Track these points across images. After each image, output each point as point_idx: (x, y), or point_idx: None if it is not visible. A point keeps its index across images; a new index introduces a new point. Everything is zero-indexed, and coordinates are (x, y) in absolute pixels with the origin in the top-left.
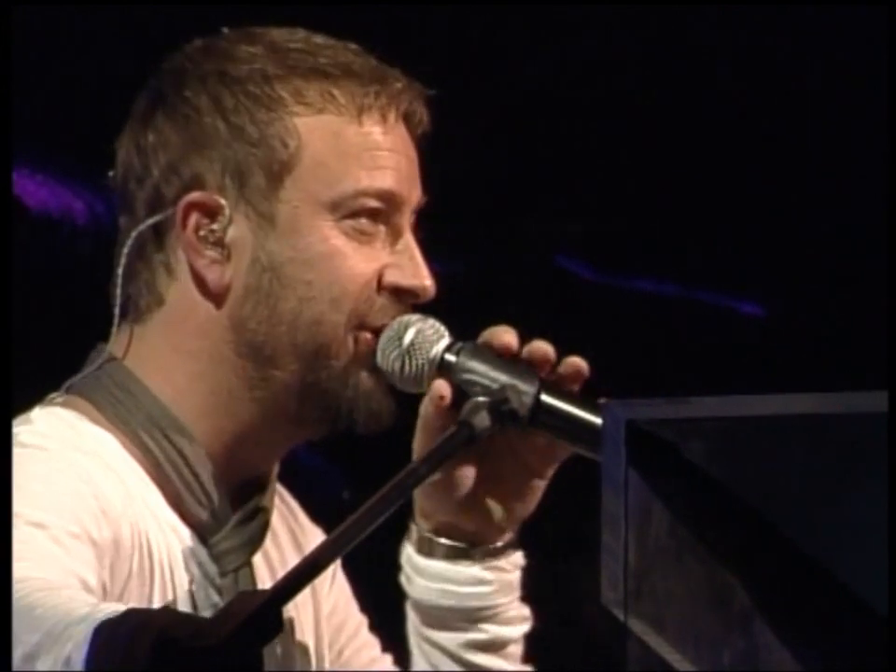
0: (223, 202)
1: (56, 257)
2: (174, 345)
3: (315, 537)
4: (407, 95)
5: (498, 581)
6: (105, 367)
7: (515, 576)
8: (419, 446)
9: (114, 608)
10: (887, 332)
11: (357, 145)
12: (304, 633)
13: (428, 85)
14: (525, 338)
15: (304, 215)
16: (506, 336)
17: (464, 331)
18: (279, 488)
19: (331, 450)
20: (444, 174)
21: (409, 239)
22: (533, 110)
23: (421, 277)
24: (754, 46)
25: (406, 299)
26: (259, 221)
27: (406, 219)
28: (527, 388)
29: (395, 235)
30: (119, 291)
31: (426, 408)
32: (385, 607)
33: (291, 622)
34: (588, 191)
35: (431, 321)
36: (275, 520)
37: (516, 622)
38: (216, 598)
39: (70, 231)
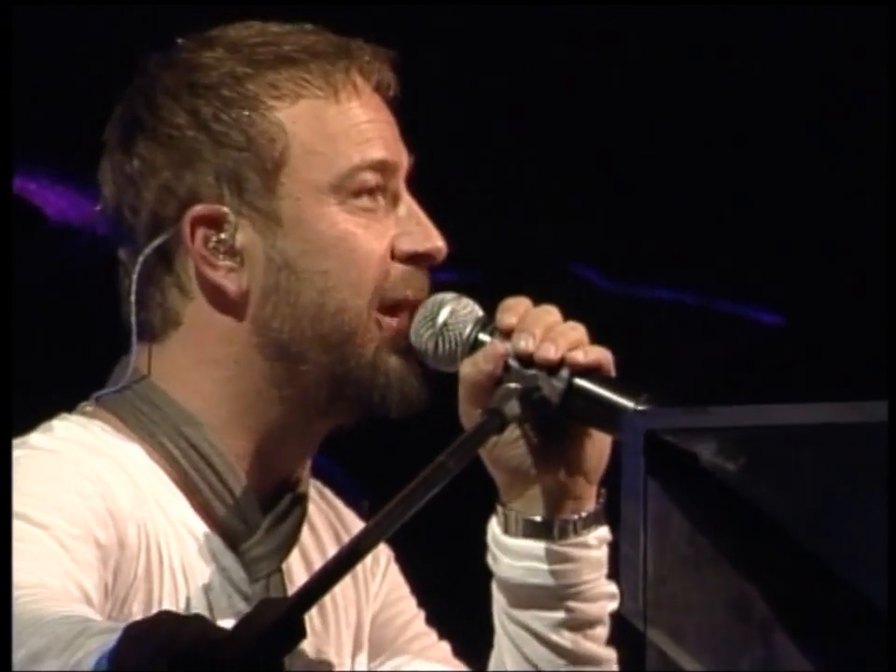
0: (226, 210)
1: (75, 266)
2: (196, 357)
3: (357, 529)
4: (375, 63)
5: (584, 558)
6: (132, 385)
7: (601, 552)
8: (467, 414)
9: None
10: (887, 343)
11: (341, 123)
12: (342, 627)
13: (473, 105)
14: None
15: (308, 205)
16: (505, 317)
17: None
18: (318, 485)
19: (350, 461)
20: (460, 181)
21: (410, 204)
22: (549, 117)
23: (432, 239)
24: (773, 52)
25: (422, 263)
26: (264, 222)
27: (402, 185)
28: (560, 373)
29: (395, 203)
30: (133, 319)
31: (479, 371)
32: (440, 597)
33: (327, 614)
34: (606, 199)
35: (465, 300)
36: (314, 513)
37: (603, 599)
38: (241, 606)
39: (90, 241)
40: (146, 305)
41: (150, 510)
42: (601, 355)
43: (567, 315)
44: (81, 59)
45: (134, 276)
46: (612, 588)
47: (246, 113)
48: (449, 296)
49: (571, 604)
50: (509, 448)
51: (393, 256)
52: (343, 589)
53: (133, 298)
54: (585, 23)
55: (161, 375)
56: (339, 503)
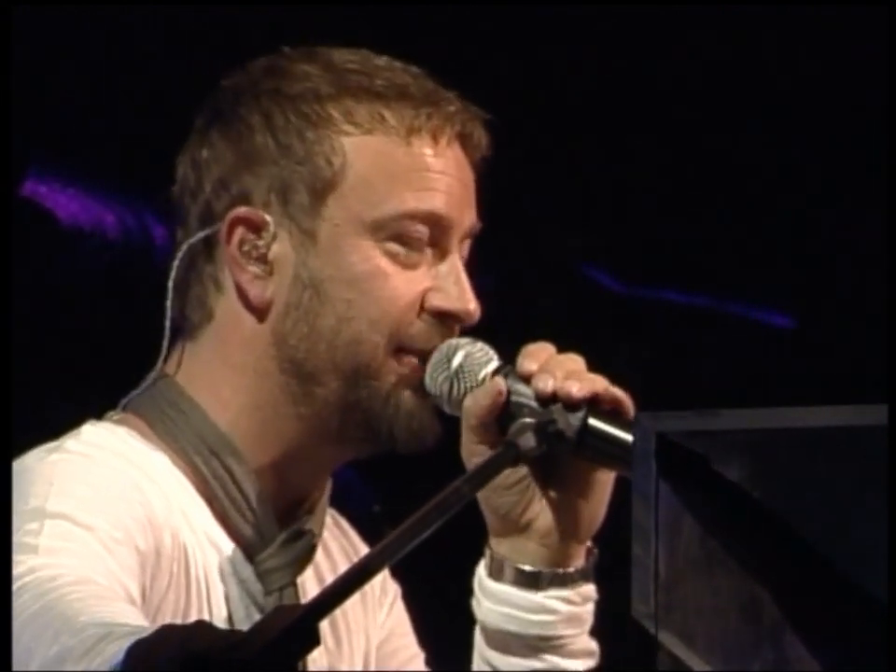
0: (268, 218)
1: (86, 270)
2: (222, 359)
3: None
4: (461, 117)
5: (565, 612)
6: (157, 384)
7: (584, 609)
8: (467, 448)
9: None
10: (886, 348)
11: (406, 166)
12: (354, 648)
13: (485, 110)
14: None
15: (346, 233)
16: (526, 362)
17: (493, 344)
18: (334, 513)
19: (362, 464)
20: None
21: (455, 261)
22: (561, 121)
23: (465, 301)
24: (776, 53)
25: (449, 322)
26: (301, 238)
27: (454, 243)
28: (577, 411)
29: (441, 258)
30: (169, 304)
31: (477, 405)
32: (440, 638)
33: (340, 634)
34: (617, 202)
35: (480, 344)
36: (329, 539)
37: (580, 656)
38: (257, 617)
39: (100, 244)
40: (185, 293)
41: (178, 519)
42: (624, 397)
43: (580, 317)
44: (93, 61)
45: (176, 262)
46: (592, 646)
47: (314, 130)
48: (464, 340)
49: (546, 656)
50: (502, 494)
51: (421, 308)
52: (353, 613)
53: (170, 283)
54: (595, 24)
55: (191, 375)
56: (353, 533)
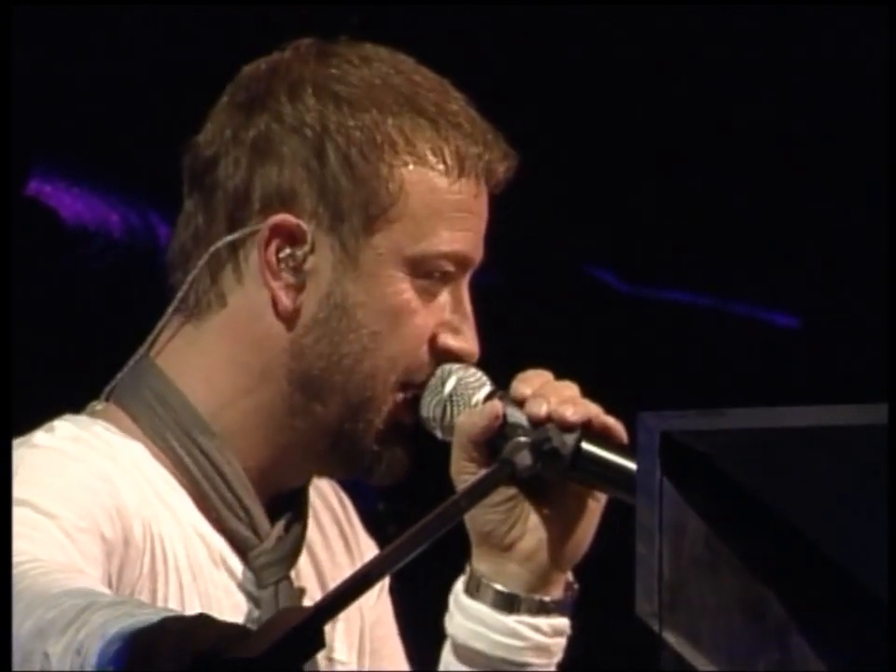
0: (307, 229)
1: (91, 269)
2: (228, 354)
3: (367, 547)
4: (505, 164)
5: (532, 641)
6: (144, 374)
7: (554, 641)
8: (457, 465)
9: (132, 603)
10: (887, 348)
11: (452, 205)
12: (353, 627)
13: (486, 108)
14: (556, 353)
15: (386, 263)
16: (521, 387)
17: (496, 345)
18: (339, 492)
19: None
20: None
21: (465, 299)
22: (564, 118)
23: (474, 344)
24: (782, 54)
25: (450, 358)
26: (342, 257)
27: (466, 279)
28: (571, 433)
29: (455, 295)
30: (179, 275)
31: (472, 424)
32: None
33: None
34: (621, 201)
35: (473, 370)
36: (326, 521)
37: None
38: (248, 608)
39: (104, 244)
40: (199, 274)
41: (155, 509)
42: (617, 424)
43: (583, 317)
44: (97, 60)
45: (184, 232)
46: None
47: (377, 153)
48: (456, 366)
49: None
50: (488, 511)
51: (432, 342)
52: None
53: (174, 248)
54: (599, 23)
55: (184, 366)
56: (353, 512)
